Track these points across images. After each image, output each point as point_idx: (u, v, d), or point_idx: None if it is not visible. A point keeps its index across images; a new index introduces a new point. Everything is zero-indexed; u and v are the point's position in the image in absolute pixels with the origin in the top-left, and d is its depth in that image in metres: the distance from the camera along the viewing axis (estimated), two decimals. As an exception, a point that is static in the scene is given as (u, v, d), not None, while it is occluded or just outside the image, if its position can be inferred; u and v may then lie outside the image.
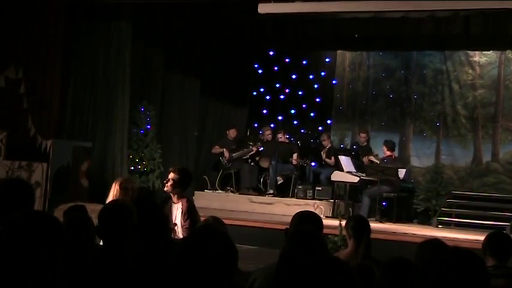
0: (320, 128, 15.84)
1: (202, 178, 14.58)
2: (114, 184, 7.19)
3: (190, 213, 7.03)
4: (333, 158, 14.15)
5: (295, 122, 16.12)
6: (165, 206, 7.07)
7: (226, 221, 6.42)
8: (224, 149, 14.54)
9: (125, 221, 3.91)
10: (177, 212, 7.08)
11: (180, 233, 6.98)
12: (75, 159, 11.44)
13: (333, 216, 12.18)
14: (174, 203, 7.13)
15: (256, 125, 16.17)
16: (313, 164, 14.70)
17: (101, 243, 4.34)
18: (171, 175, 7.17)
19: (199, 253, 2.43)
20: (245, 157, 14.69)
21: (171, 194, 7.16)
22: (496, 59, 14.36)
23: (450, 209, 13.14)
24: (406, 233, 10.91)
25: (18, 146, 11.18)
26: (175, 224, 7.02)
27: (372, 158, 13.57)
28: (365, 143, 14.26)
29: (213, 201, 13.49)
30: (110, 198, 7.14)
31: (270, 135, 14.81)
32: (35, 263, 2.53)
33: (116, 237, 3.87)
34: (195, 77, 14.27)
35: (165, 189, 7.19)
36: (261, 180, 14.61)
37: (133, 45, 12.36)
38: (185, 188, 7.26)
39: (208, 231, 2.60)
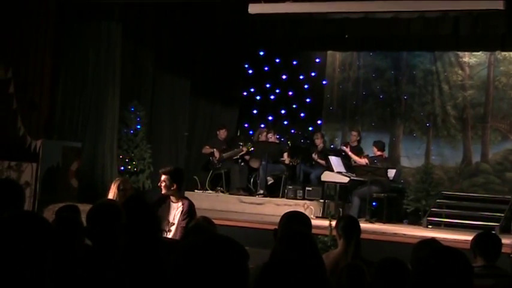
0: (310, 128, 15.82)
1: (193, 178, 14.53)
2: (112, 185, 7.28)
3: (190, 214, 7.09)
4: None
5: (285, 122, 16.08)
6: (162, 206, 7.13)
7: (216, 221, 6.43)
8: (214, 149, 14.51)
9: (113, 221, 3.91)
10: (176, 211, 7.16)
11: (175, 231, 7.01)
12: (64, 160, 11.40)
13: (323, 217, 12.17)
14: (173, 202, 7.22)
15: (246, 125, 16.14)
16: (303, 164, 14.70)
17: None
18: (162, 178, 7.25)
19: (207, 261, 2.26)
20: (235, 157, 14.67)
21: (170, 195, 7.21)
22: (486, 60, 14.38)
23: (440, 210, 13.15)
24: (396, 234, 10.91)
25: (8, 146, 11.15)
26: (173, 224, 7.06)
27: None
28: (355, 143, 14.24)
29: (203, 202, 13.43)
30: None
31: (264, 137, 14.65)
32: (23, 263, 2.52)
33: (104, 238, 3.86)
34: (185, 77, 14.23)
35: (163, 192, 7.27)
36: (251, 180, 14.58)
37: (123, 45, 12.33)
38: (180, 186, 7.34)
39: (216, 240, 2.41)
